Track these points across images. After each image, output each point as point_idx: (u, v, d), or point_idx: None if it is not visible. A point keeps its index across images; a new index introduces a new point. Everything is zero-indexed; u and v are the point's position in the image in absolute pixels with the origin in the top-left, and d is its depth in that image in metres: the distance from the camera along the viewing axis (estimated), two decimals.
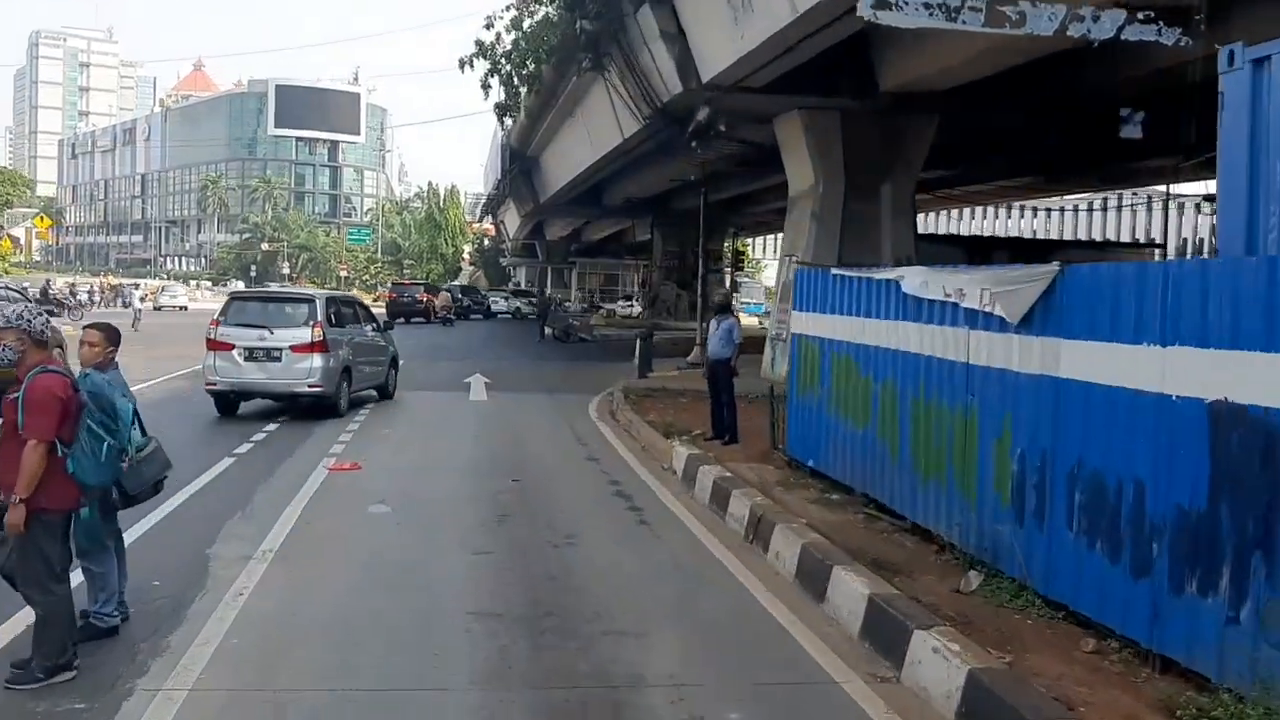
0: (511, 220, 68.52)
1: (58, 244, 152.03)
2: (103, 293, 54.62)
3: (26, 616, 5.07)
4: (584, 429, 14.08)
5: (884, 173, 18.11)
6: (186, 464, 8.97)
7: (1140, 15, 9.61)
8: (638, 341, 20.19)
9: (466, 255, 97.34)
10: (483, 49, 23.36)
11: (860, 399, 8.24)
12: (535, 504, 9.11)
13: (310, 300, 14.49)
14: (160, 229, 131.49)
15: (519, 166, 41.49)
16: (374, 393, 15.92)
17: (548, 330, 35.50)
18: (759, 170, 24.85)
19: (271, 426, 12.94)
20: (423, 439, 13.08)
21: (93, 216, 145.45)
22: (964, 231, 58.66)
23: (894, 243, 17.82)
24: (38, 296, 28.86)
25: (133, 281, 66.31)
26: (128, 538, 6.18)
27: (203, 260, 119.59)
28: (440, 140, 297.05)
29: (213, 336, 13.71)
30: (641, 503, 9.22)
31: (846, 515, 7.91)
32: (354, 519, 8.30)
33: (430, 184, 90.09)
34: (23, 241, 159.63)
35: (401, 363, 17.45)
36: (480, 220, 77.77)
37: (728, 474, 9.15)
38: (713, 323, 12.35)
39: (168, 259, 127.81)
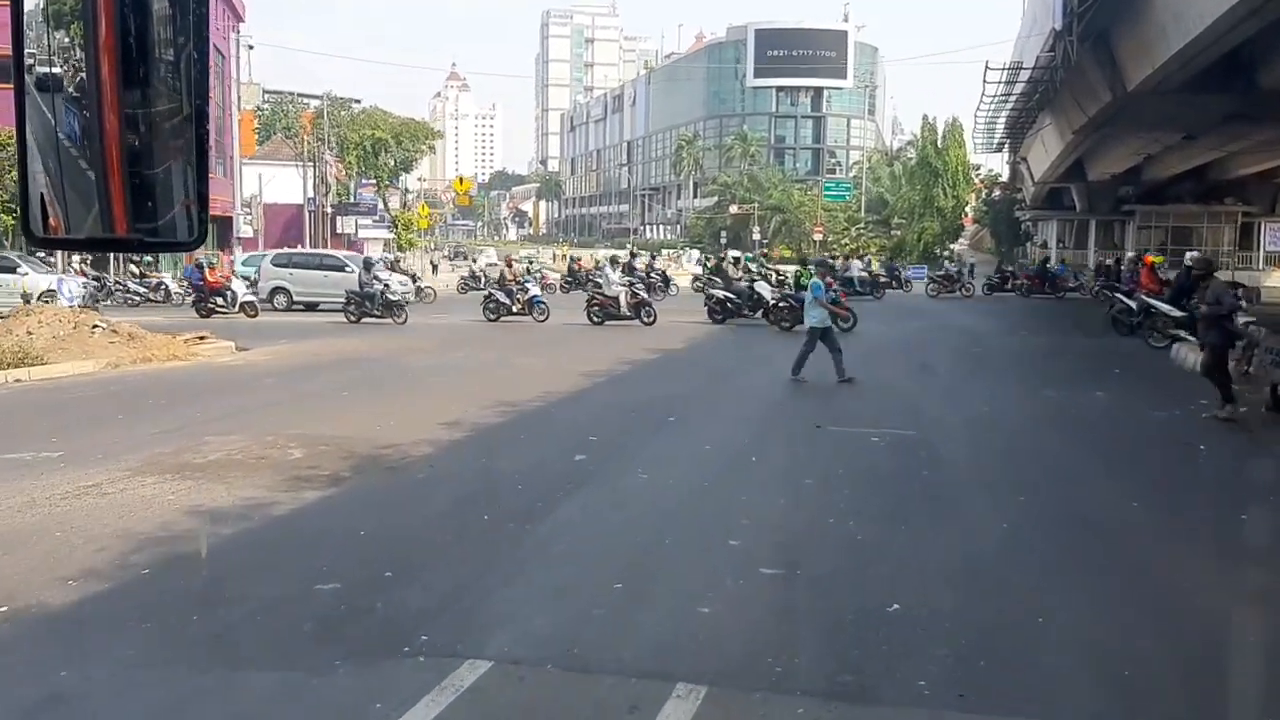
0: (1039, 155, 48.94)
1: (560, 216, 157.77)
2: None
3: None
4: None
5: None
6: None
7: None
8: None
9: (969, 211, 77.24)
10: None
11: None
12: None
13: None
14: (642, 197, 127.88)
15: (1090, 15, 22.38)
16: None
17: None
18: None
19: None
20: None
21: (585, 188, 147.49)
22: None
23: None
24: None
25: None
26: None
27: (679, 228, 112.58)
28: (937, 90, 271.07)
29: None
30: None
31: None
32: None
33: (926, 119, 71.16)
34: (529, 214, 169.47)
35: None
36: (998, 151, 57.65)
37: None
38: None
39: (648, 227, 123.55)
